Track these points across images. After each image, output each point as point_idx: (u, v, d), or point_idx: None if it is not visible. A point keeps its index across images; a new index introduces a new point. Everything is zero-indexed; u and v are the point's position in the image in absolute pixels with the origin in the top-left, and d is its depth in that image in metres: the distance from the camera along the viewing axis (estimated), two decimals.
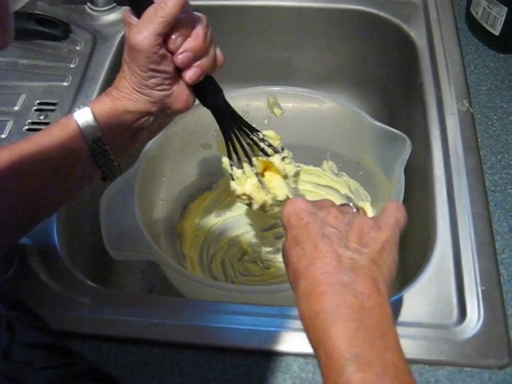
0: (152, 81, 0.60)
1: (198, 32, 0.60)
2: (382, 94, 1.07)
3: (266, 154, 0.74)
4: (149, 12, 0.58)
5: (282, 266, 0.90)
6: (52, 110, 0.88)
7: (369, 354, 0.45)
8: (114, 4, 1.02)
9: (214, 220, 0.96)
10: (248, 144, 0.73)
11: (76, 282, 0.71)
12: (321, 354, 0.47)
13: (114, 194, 0.77)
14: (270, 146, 0.74)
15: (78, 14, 1.02)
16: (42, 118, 0.86)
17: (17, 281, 0.69)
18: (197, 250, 0.92)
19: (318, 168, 0.98)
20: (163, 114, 0.65)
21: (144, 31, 0.57)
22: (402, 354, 0.47)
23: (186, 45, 0.59)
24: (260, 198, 0.75)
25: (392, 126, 0.82)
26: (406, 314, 0.65)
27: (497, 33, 0.89)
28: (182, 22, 0.59)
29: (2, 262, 0.70)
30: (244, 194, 0.76)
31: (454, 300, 0.65)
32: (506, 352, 0.61)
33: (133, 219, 0.76)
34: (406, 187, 0.74)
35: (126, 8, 1.01)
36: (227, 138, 0.72)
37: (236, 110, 0.70)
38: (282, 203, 0.76)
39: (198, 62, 0.61)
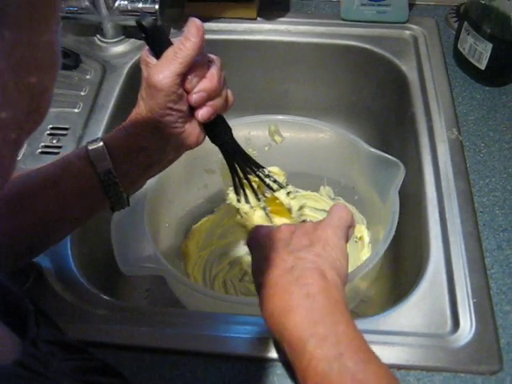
0: (168, 118, 0.62)
1: (213, 73, 0.62)
2: (375, 123, 1.11)
3: (272, 189, 0.77)
4: (169, 53, 0.60)
5: None
6: (64, 135, 0.92)
7: (322, 331, 0.52)
8: (123, 36, 1.06)
9: (216, 242, 1.00)
10: (254, 181, 0.76)
11: (89, 294, 0.74)
12: (283, 344, 0.55)
13: (124, 214, 0.81)
14: (275, 181, 0.77)
15: (87, 45, 1.06)
16: (54, 141, 0.91)
17: (34, 293, 0.73)
18: (200, 269, 0.96)
19: (315, 193, 1.03)
20: (174, 151, 0.67)
21: (165, 71, 0.59)
22: (352, 325, 0.54)
23: (201, 85, 0.61)
24: None
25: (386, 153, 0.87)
26: (403, 325, 0.68)
27: (483, 67, 0.95)
28: (198, 63, 0.61)
29: (19, 274, 0.73)
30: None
31: (448, 311, 0.69)
32: (497, 359, 0.65)
33: (142, 237, 0.79)
34: (401, 209, 0.78)
35: (134, 40, 1.06)
36: (234, 175, 0.74)
37: (238, 137, 0.73)
38: None
39: (210, 102, 0.63)
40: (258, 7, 1.11)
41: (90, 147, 0.63)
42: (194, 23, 0.60)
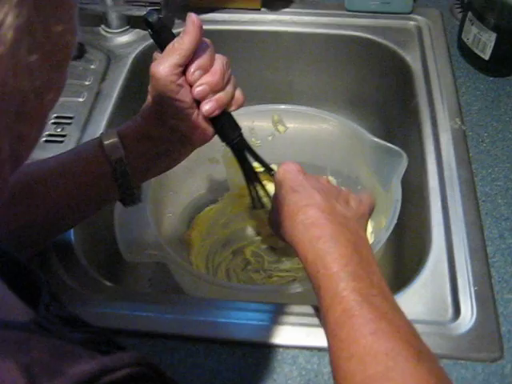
0: (170, 109, 0.65)
1: (216, 69, 0.64)
2: (379, 114, 1.12)
3: None
4: (169, 46, 0.63)
5: (284, 275, 0.95)
6: (68, 124, 0.92)
7: (361, 273, 0.56)
8: (128, 26, 1.07)
9: (219, 231, 1.00)
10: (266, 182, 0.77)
11: (92, 280, 0.74)
12: (319, 268, 0.58)
13: None
14: None
15: (92, 35, 1.07)
16: (58, 130, 0.91)
17: None
18: (203, 259, 0.96)
19: None
20: (181, 145, 0.69)
21: (164, 62, 0.62)
22: (385, 282, 0.58)
23: (204, 79, 0.64)
24: None
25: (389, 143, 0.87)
26: (404, 312, 0.69)
27: (486, 57, 0.95)
28: (202, 58, 0.63)
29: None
30: (271, 235, 0.79)
31: (449, 299, 0.70)
32: (498, 346, 0.65)
33: (145, 225, 0.80)
34: (403, 198, 0.78)
35: (138, 30, 1.07)
36: (248, 180, 0.74)
37: (242, 126, 0.73)
38: None
39: (214, 97, 0.65)
40: None
41: (103, 136, 0.66)
42: (190, 18, 0.63)
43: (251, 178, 0.75)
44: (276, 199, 0.68)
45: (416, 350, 0.51)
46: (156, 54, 0.66)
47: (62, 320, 0.45)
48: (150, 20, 0.62)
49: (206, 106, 0.65)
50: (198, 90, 0.64)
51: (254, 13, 1.10)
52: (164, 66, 0.62)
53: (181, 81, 0.63)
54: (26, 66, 0.31)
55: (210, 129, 0.68)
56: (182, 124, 0.66)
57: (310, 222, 0.62)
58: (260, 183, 0.75)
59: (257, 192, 0.76)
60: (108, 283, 0.74)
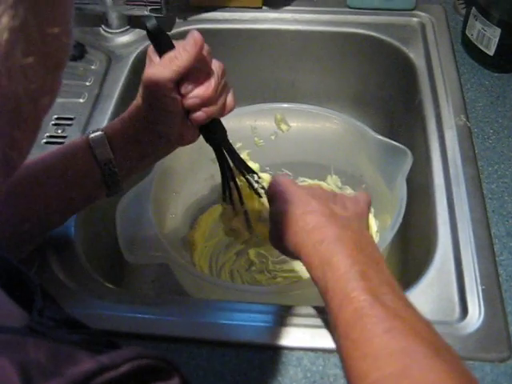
0: (160, 118, 0.65)
1: (211, 82, 0.63)
2: (383, 112, 1.11)
3: (259, 195, 0.77)
4: (166, 58, 0.62)
5: (289, 275, 0.94)
6: (69, 125, 0.91)
7: (369, 272, 0.54)
8: (128, 26, 1.06)
9: (222, 232, 0.99)
10: (243, 183, 0.77)
11: (94, 283, 0.73)
12: (326, 271, 0.56)
13: (129, 203, 0.81)
14: (263, 188, 0.77)
15: (92, 35, 1.06)
16: (59, 131, 0.90)
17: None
18: (206, 260, 0.95)
19: (322, 182, 1.02)
20: (167, 146, 0.70)
21: (158, 76, 0.62)
22: (394, 279, 0.56)
23: (196, 91, 0.63)
24: (246, 234, 0.79)
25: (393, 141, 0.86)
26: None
27: (491, 53, 0.94)
28: (197, 70, 0.63)
29: (24, 263, 0.73)
30: (231, 229, 0.79)
31: (456, 298, 0.69)
32: (506, 346, 0.64)
33: (147, 226, 0.79)
34: (408, 197, 0.77)
35: (138, 30, 1.06)
36: (224, 176, 0.75)
37: (244, 126, 0.73)
38: (263, 243, 0.80)
39: (205, 109, 0.64)
40: None
41: (91, 138, 0.66)
42: (192, 35, 0.62)
43: (228, 178, 0.75)
44: (272, 214, 0.67)
45: (434, 346, 0.49)
46: (152, 53, 0.64)
47: (59, 323, 0.45)
48: (148, 25, 0.62)
49: (196, 117, 0.65)
50: (189, 102, 0.64)
51: (255, 11, 1.09)
52: (158, 81, 0.62)
53: (174, 94, 0.63)
54: (20, 69, 0.30)
55: (196, 132, 0.69)
56: (170, 130, 0.67)
57: (311, 227, 0.60)
58: (235, 184, 0.76)
59: (230, 192, 0.76)
60: (110, 285, 0.73)
